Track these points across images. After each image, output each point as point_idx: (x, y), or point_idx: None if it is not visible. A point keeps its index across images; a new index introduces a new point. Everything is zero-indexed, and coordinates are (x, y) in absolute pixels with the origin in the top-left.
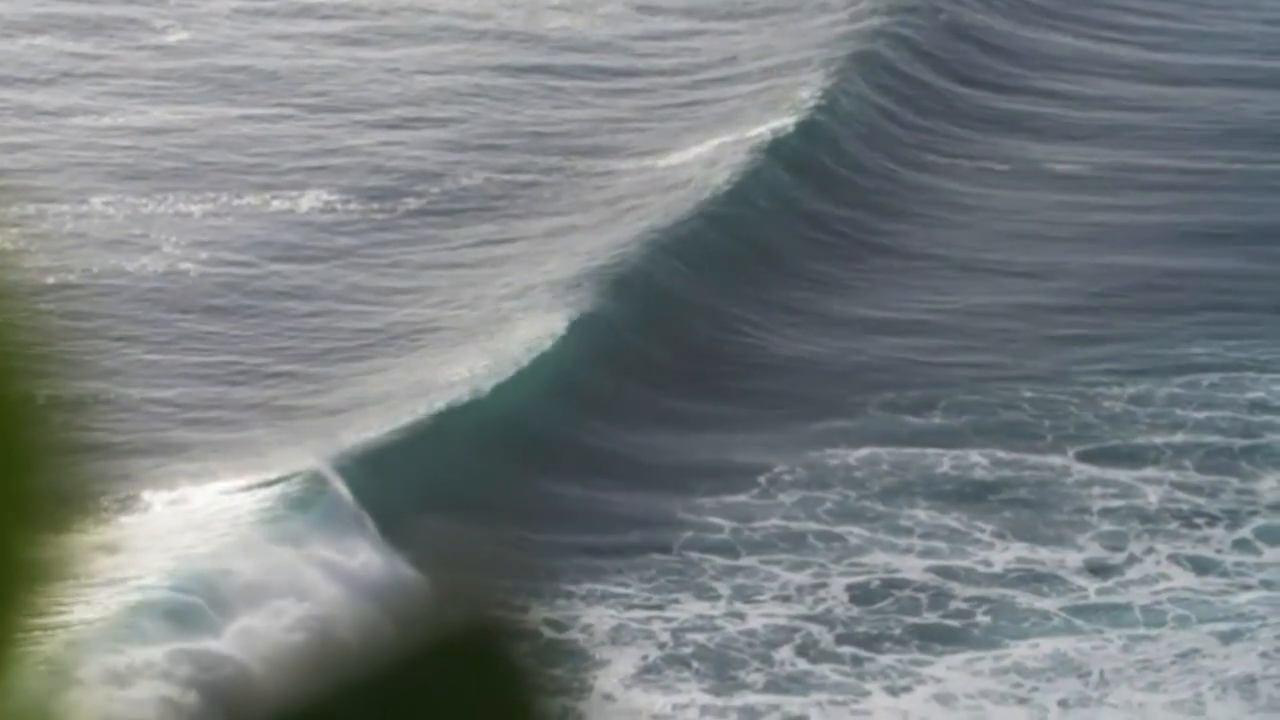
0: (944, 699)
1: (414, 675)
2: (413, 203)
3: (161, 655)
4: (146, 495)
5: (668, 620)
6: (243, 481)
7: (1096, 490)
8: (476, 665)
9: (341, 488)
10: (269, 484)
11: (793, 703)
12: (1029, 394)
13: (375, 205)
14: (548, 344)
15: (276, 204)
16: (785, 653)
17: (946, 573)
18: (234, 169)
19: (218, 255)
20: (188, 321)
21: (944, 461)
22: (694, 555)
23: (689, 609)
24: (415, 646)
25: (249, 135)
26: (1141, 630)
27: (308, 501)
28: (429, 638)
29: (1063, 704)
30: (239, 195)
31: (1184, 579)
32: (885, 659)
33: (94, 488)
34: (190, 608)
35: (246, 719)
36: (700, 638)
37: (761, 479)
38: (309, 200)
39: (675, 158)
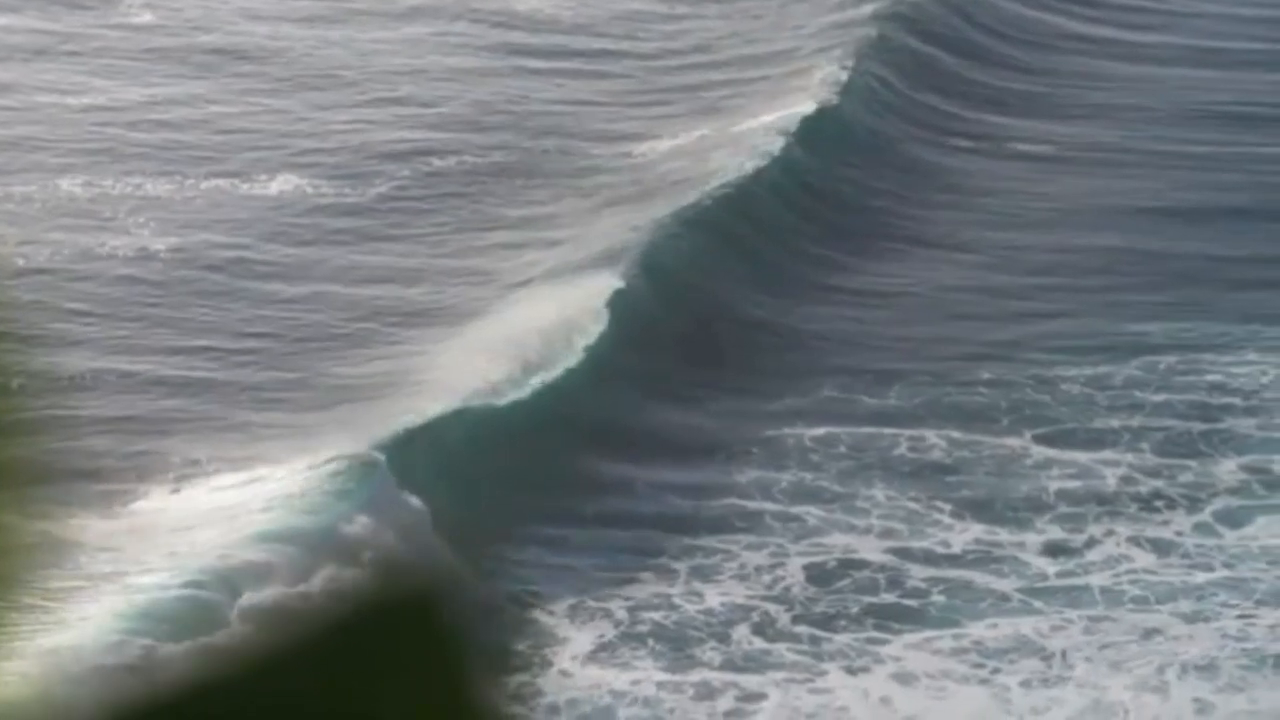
0: (904, 678)
1: (356, 639)
2: (384, 185)
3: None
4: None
5: (626, 599)
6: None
7: (1055, 472)
8: (415, 630)
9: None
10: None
11: (750, 681)
12: (986, 375)
13: (348, 187)
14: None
15: (246, 187)
16: (742, 631)
17: (904, 554)
18: (204, 148)
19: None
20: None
21: (901, 442)
22: (652, 534)
23: (647, 588)
24: (361, 612)
25: (218, 114)
26: (1102, 611)
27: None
28: (374, 603)
29: (1025, 684)
30: (208, 176)
31: (1144, 560)
32: (843, 638)
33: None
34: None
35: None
36: (657, 616)
37: (719, 457)
38: (279, 184)
39: (648, 146)
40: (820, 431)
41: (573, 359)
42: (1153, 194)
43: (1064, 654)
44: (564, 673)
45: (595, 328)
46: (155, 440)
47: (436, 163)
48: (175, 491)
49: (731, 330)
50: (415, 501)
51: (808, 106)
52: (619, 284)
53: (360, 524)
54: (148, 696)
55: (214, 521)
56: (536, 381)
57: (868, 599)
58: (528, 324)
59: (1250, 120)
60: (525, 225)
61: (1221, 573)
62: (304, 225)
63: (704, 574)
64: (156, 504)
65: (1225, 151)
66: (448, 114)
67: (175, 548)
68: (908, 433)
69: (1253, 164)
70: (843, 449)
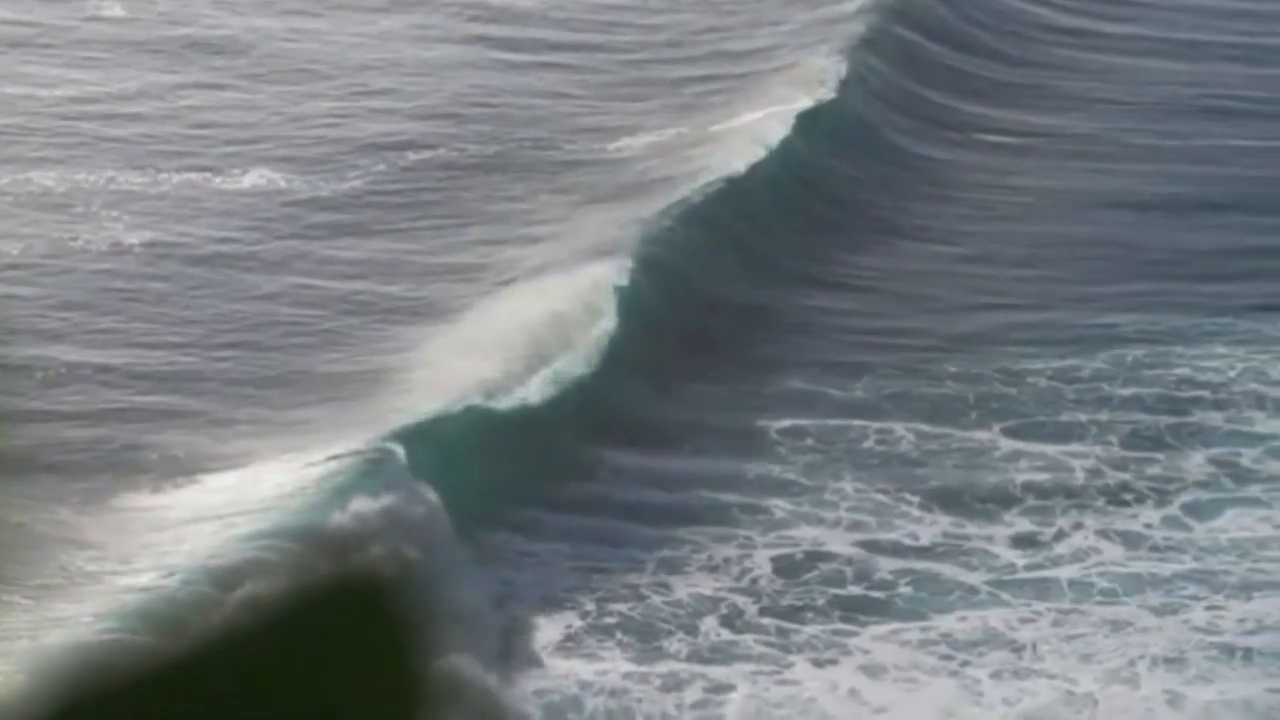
0: (872, 670)
1: (308, 626)
2: (359, 180)
3: None
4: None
5: (594, 590)
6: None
7: (1023, 464)
8: (366, 616)
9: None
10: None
11: (717, 672)
12: (953, 368)
13: (322, 181)
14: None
15: (218, 181)
16: (710, 623)
17: (872, 546)
18: (175, 140)
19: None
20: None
21: (869, 434)
22: (620, 525)
23: (615, 579)
24: (314, 599)
25: (191, 107)
26: (1071, 604)
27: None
28: (326, 591)
29: (995, 676)
30: (181, 170)
31: (1113, 553)
32: (810, 630)
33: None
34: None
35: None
36: (624, 607)
37: (686, 448)
38: (252, 178)
39: (624, 142)
40: (787, 423)
41: (561, 353)
42: (1122, 186)
43: (1034, 646)
44: (532, 662)
45: (577, 322)
46: (144, 435)
47: (412, 156)
48: (168, 488)
49: (703, 321)
50: (430, 494)
51: (789, 101)
52: (597, 280)
53: (370, 518)
54: (108, 681)
55: (206, 520)
56: (523, 377)
57: (835, 591)
58: (512, 320)
59: (1220, 113)
60: (504, 220)
61: (1190, 565)
62: (278, 219)
63: (672, 566)
64: (146, 501)
65: (1195, 144)
66: (424, 107)
67: (177, 544)
68: (875, 425)
69: (1223, 156)
70: (810, 441)
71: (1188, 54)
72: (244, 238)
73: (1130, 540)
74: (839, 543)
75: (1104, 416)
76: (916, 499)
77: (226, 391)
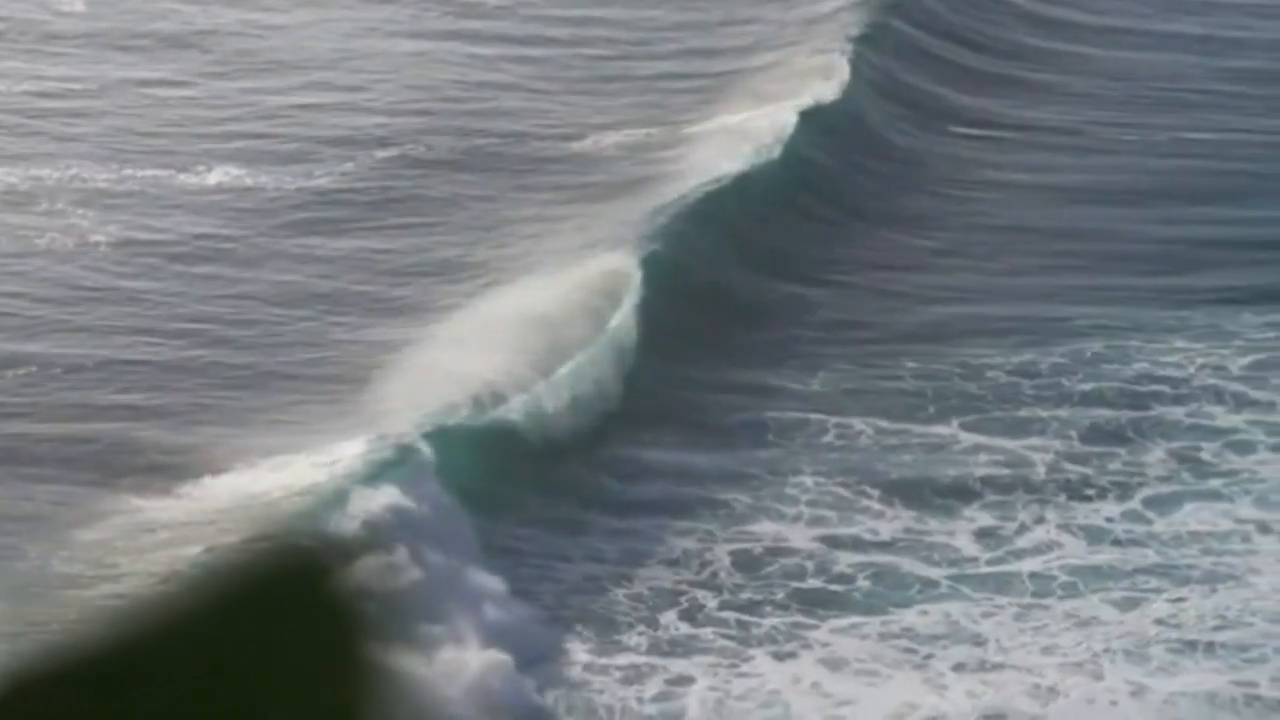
0: (833, 663)
1: (245, 607)
2: (324, 177)
3: None
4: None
5: (556, 581)
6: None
7: (983, 458)
8: (304, 599)
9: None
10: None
11: (677, 665)
12: (912, 364)
13: (288, 177)
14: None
15: (183, 177)
16: (670, 616)
17: (833, 540)
18: (140, 136)
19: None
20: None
21: (829, 428)
22: (581, 517)
23: (577, 570)
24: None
25: (155, 102)
26: (1032, 598)
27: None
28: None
29: (958, 668)
30: (147, 166)
31: (1075, 547)
32: (770, 623)
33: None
34: None
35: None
36: (584, 599)
37: (646, 440)
38: (218, 175)
39: (591, 140)
40: (748, 417)
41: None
42: (1082, 178)
43: (996, 639)
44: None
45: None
46: (124, 433)
47: (380, 154)
48: (149, 488)
49: (664, 315)
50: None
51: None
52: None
53: (391, 511)
54: (42, 661)
55: (198, 523)
56: (488, 371)
57: (795, 585)
58: (480, 320)
59: (1181, 105)
60: (475, 219)
61: (1152, 559)
62: (248, 217)
63: (633, 558)
64: (126, 502)
65: (1155, 137)
66: (392, 103)
67: (162, 546)
68: (835, 419)
69: (1182, 149)
70: (770, 435)
71: (1152, 45)
72: (214, 235)
73: (1092, 534)
74: (799, 537)
75: (1064, 412)
76: (876, 493)
77: (201, 389)
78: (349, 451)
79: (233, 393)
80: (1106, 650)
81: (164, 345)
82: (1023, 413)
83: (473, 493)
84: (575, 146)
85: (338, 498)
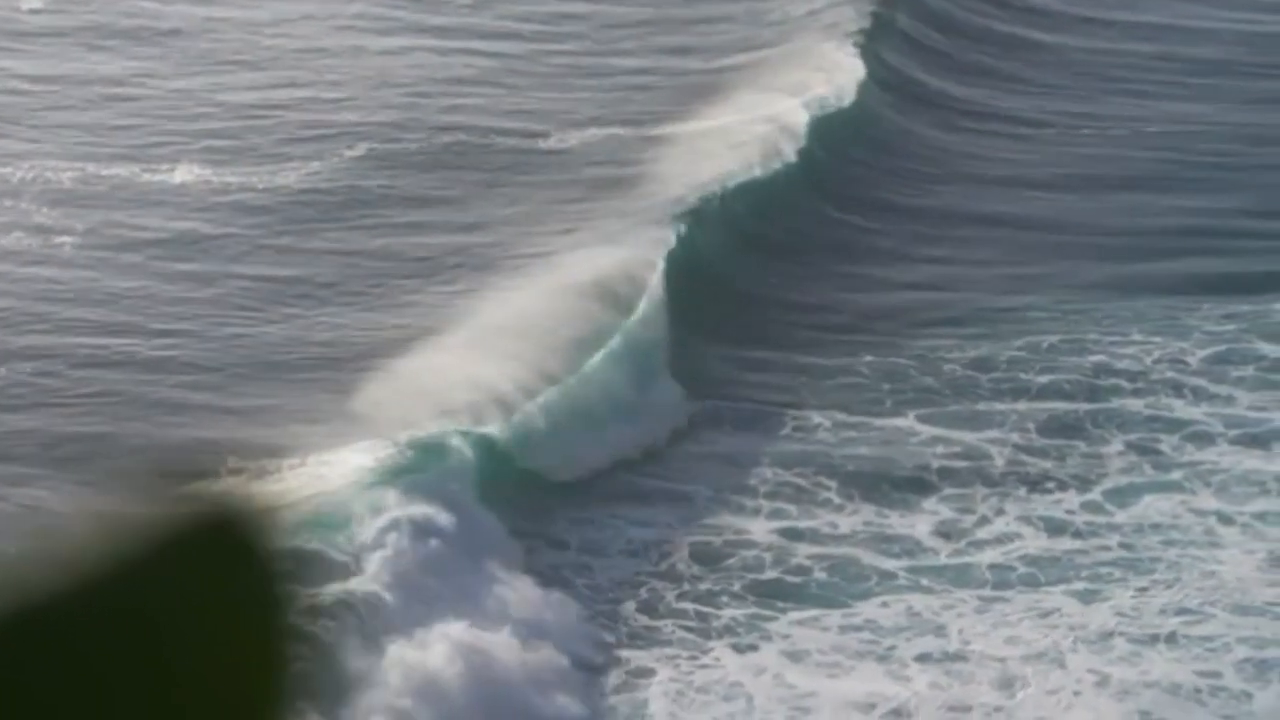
0: (795, 655)
1: (159, 560)
2: (291, 175)
3: None
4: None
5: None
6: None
7: (942, 450)
8: (221, 551)
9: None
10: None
11: (638, 656)
12: (869, 356)
13: (254, 176)
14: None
15: (150, 176)
16: (629, 608)
17: (792, 533)
18: (102, 132)
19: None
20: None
21: (786, 420)
22: (540, 508)
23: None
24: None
25: (116, 97)
26: (994, 590)
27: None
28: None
29: (921, 659)
30: (111, 163)
31: (1036, 539)
32: (730, 615)
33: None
34: None
35: None
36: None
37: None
38: (182, 173)
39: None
40: (706, 405)
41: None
42: (1039, 165)
43: (959, 631)
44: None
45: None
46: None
47: (347, 153)
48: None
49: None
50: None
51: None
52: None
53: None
54: None
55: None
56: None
57: (754, 577)
58: (441, 315)
59: (1136, 94)
60: (443, 220)
61: (1113, 550)
62: (214, 215)
63: (592, 550)
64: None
65: (1114, 125)
66: (356, 100)
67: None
68: (792, 411)
69: (1138, 137)
70: (729, 428)
71: (1114, 34)
72: (182, 233)
73: (1052, 526)
74: (758, 529)
75: (1022, 405)
76: (835, 485)
77: (175, 388)
78: (324, 451)
79: (205, 394)
80: (1069, 641)
81: (137, 346)
82: (980, 406)
83: (430, 486)
84: (544, 144)
85: (288, 491)
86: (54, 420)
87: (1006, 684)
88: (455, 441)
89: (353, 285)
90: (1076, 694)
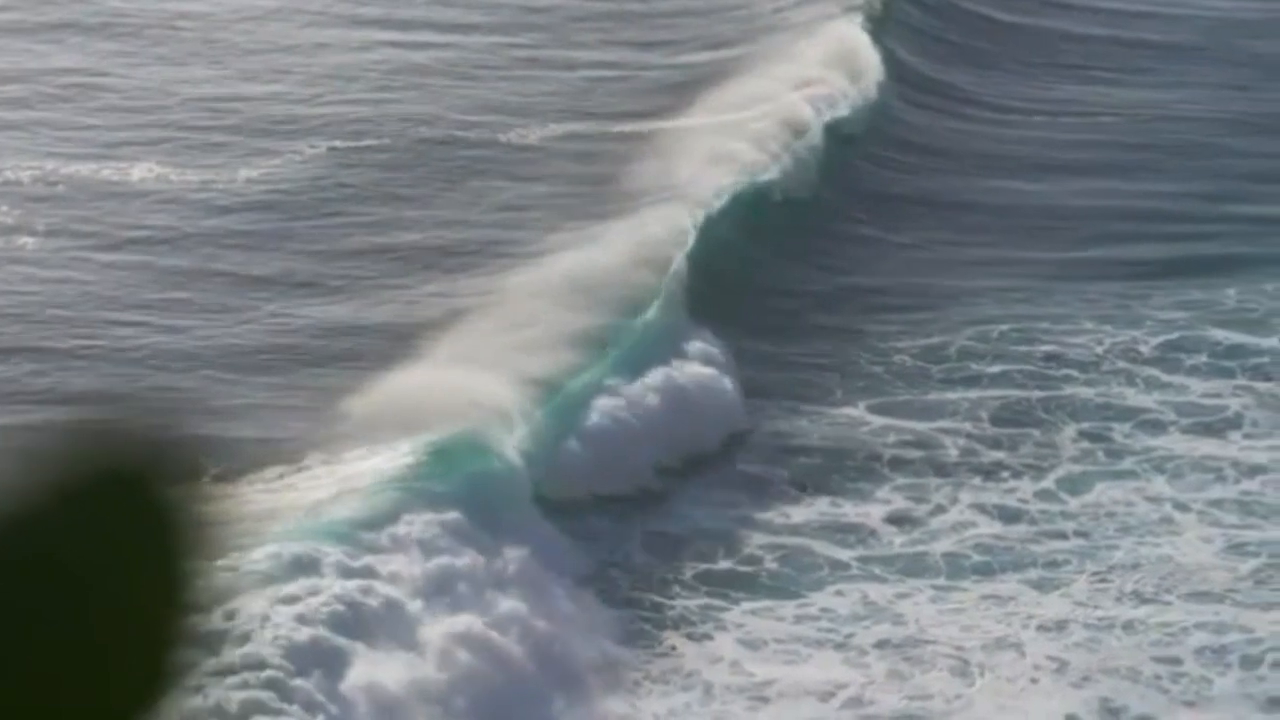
0: (752, 644)
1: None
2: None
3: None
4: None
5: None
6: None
7: (893, 439)
8: (129, 499)
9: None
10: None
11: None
12: (819, 343)
13: (212, 174)
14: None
15: (107, 173)
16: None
17: (745, 522)
18: (60, 128)
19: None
20: None
21: (737, 410)
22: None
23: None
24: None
25: (73, 91)
26: (949, 579)
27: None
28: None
29: (880, 646)
30: (70, 161)
31: (990, 527)
32: (684, 604)
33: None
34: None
35: None
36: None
37: None
38: (140, 170)
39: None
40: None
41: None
42: (989, 146)
43: (916, 620)
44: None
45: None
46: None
47: (309, 150)
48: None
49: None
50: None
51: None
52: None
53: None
54: None
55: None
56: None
57: (707, 567)
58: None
59: (1091, 77)
60: (412, 220)
61: (1068, 538)
62: (176, 215)
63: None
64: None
65: (1065, 108)
66: (318, 93)
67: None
68: (743, 400)
69: (1092, 120)
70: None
71: (1053, 15)
72: (142, 230)
73: (1006, 514)
74: (711, 519)
75: (973, 394)
76: (786, 474)
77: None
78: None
79: (178, 388)
80: (1026, 628)
81: (98, 341)
82: (931, 396)
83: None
84: (505, 138)
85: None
86: (12, 415)
87: (965, 671)
88: (442, 445)
89: (328, 283)
90: (1035, 681)
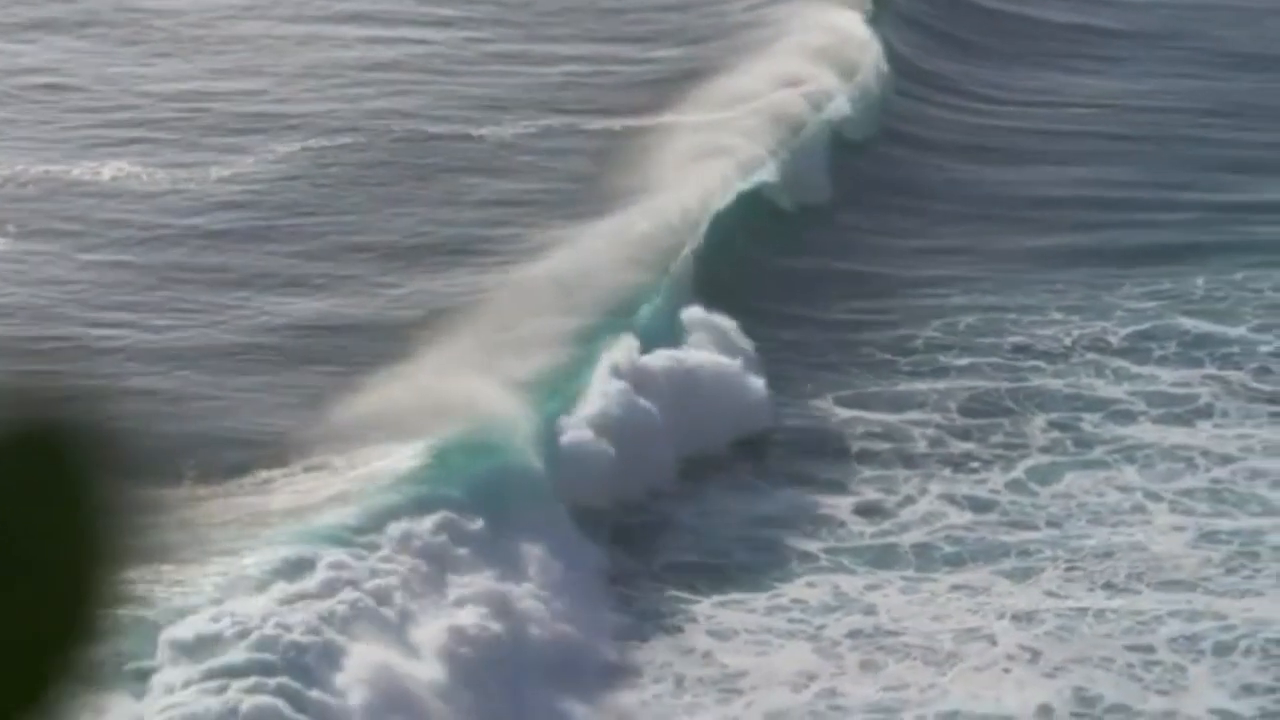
0: (723, 635)
1: None
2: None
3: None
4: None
5: None
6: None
7: (861, 430)
8: (45, 462)
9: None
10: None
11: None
12: (785, 334)
13: (183, 172)
14: None
15: (76, 173)
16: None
17: (716, 515)
18: (25, 126)
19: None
20: None
21: None
22: None
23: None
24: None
25: (37, 88)
26: (919, 570)
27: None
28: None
29: (852, 636)
30: (38, 161)
31: (960, 518)
32: (654, 597)
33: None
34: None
35: None
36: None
37: None
38: (111, 169)
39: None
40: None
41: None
42: (958, 134)
43: (888, 610)
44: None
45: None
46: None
47: (281, 149)
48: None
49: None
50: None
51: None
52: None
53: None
54: None
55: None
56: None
57: (676, 559)
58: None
59: (1063, 66)
60: (388, 222)
61: (1038, 528)
62: (146, 218)
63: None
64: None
65: (1034, 96)
66: (288, 90)
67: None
68: None
69: (1061, 106)
70: None
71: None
72: (113, 230)
73: (976, 505)
74: (680, 511)
75: (942, 385)
76: (754, 466)
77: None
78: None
79: (151, 383)
80: (999, 618)
81: (69, 342)
82: (900, 386)
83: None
84: (477, 133)
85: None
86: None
87: (938, 661)
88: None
89: (309, 281)
90: (1007, 671)
